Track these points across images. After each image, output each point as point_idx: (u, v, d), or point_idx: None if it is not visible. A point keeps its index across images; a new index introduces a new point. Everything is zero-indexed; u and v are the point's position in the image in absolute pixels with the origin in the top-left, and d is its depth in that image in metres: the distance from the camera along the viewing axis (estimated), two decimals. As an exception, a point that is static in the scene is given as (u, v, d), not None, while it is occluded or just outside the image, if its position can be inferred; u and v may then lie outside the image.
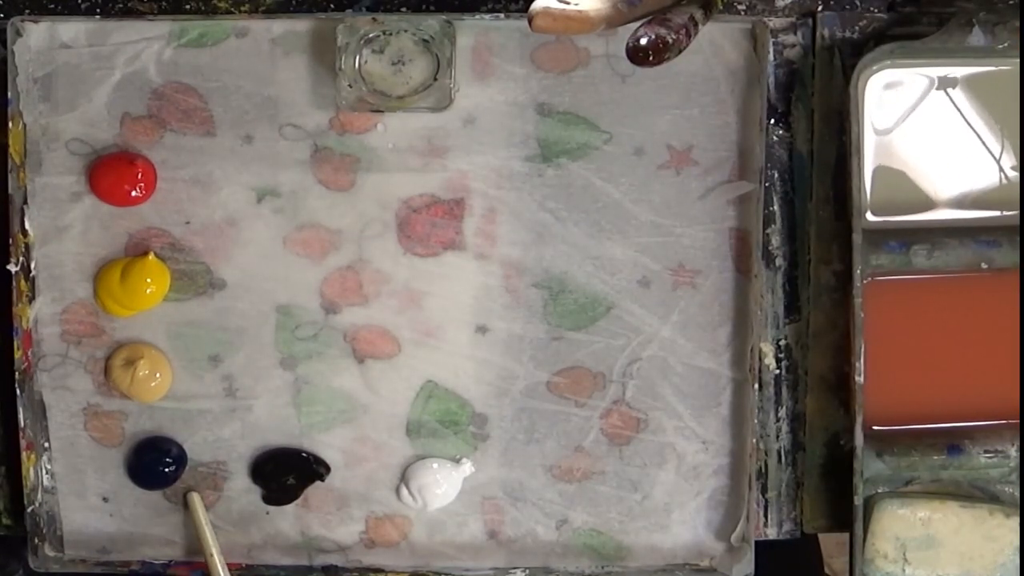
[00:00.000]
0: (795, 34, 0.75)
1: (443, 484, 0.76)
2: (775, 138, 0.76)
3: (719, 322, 0.76)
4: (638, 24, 0.61)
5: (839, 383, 0.76)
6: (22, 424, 0.74)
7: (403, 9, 0.75)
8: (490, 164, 0.74)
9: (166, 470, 0.76)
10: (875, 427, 0.76)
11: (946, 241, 0.74)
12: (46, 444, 0.76)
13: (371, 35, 0.71)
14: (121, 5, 0.75)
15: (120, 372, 0.75)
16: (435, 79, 0.71)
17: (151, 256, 0.74)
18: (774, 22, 0.75)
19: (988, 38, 0.71)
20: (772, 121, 0.75)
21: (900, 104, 0.75)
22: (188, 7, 0.75)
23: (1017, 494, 0.76)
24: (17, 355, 0.74)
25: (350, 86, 0.71)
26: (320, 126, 0.74)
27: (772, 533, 0.78)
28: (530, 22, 0.59)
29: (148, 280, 0.74)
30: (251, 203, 0.75)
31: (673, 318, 0.76)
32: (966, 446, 0.75)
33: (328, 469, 0.76)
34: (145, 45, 0.73)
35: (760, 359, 0.76)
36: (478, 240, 0.75)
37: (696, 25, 0.63)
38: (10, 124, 0.73)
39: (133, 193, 0.74)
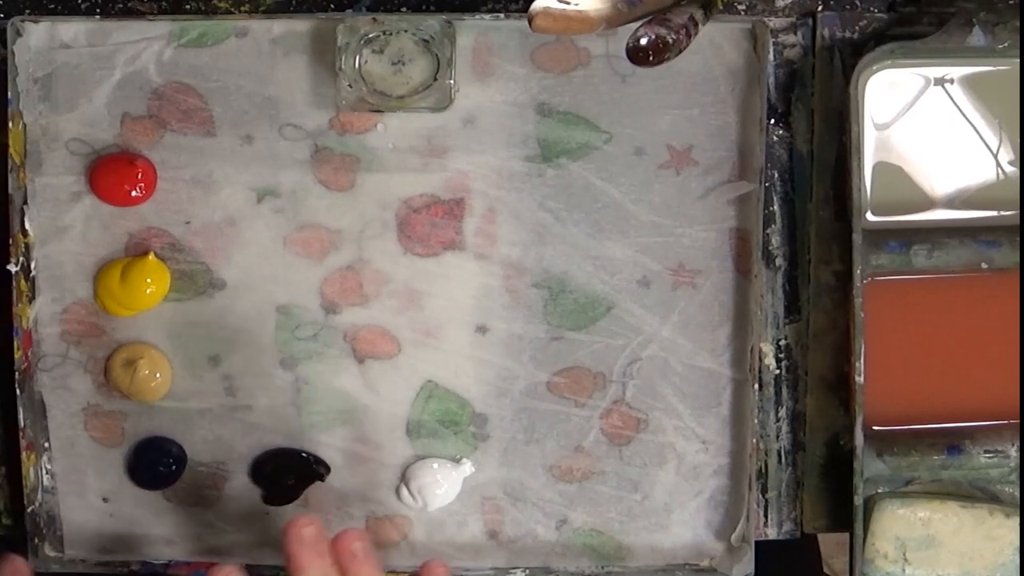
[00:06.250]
0: (795, 34, 0.75)
1: (443, 484, 0.76)
2: (775, 138, 0.76)
3: (719, 322, 0.76)
4: (638, 24, 0.61)
5: (839, 383, 0.76)
6: (22, 424, 0.74)
7: (403, 9, 0.75)
8: (490, 164, 0.74)
9: (166, 470, 0.76)
10: (875, 427, 0.76)
11: (946, 241, 0.74)
12: (46, 444, 0.76)
13: (371, 35, 0.71)
14: (121, 5, 0.75)
15: (120, 372, 0.75)
16: (435, 79, 0.71)
17: (151, 256, 0.74)
18: (774, 22, 0.75)
19: (988, 38, 0.71)
20: (772, 121, 0.75)
21: (900, 103, 0.75)
22: (188, 7, 0.75)
23: (1017, 494, 0.76)
24: (17, 355, 0.74)
25: (350, 86, 0.71)
26: (320, 126, 0.74)
27: (772, 533, 0.79)
28: (530, 22, 0.59)
29: (148, 280, 0.74)
30: (251, 203, 0.75)
31: (673, 318, 0.76)
32: (966, 446, 0.75)
33: (328, 469, 0.76)
34: (145, 45, 0.73)
35: (760, 359, 0.76)
36: (478, 240, 0.75)
37: (696, 25, 0.63)
38: (10, 124, 0.73)
39: (133, 193, 0.74)
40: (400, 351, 0.76)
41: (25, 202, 0.74)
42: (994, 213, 0.76)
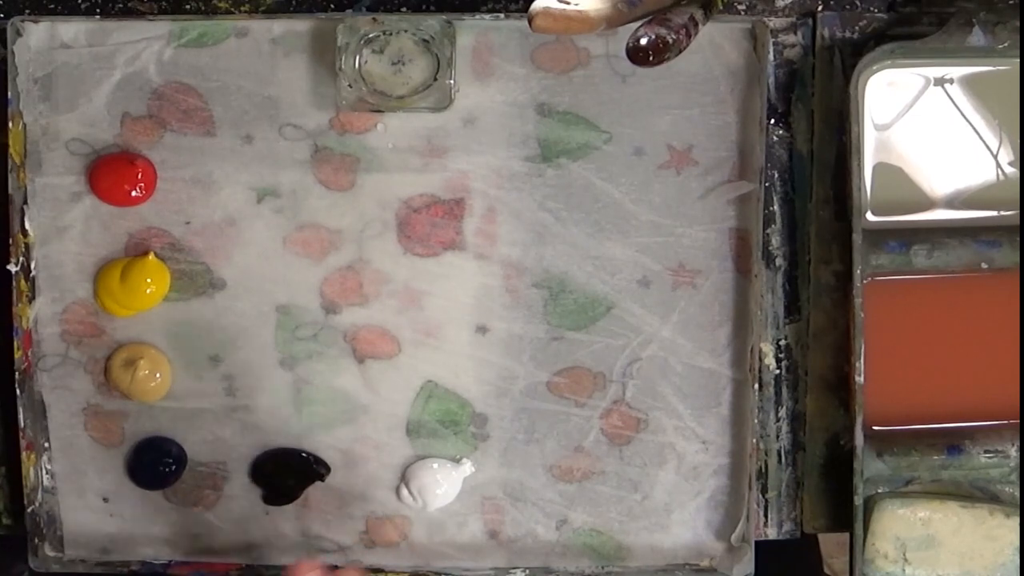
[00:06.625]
0: (795, 34, 0.75)
1: (443, 484, 0.76)
2: (775, 138, 0.76)
3: (719, 322, 0.76)
4: (638, 24, 0.61)
5: (839, 383, 0.76)
6: (22, 424, 0.74)
7: (403, 9, 0.75)
8: (490, 164, 0.74)
9: (166, 470, 0.76)
10: (875, 427, 0.76)
11: (946, 241, 0.74)
12: (46, 444, 0.76)
13: (371, 35, 0.71)
14: (121, 5, 0.75)
15: (120, 372, 0.75)
16: (435, 79, 0.71)
17: (151, 256, 0.74)
18: (774, 22, 0.75)
19: (988, 38, 0.71)
20: (772, 121, 0.75)
21: (900, 104, 0.75)
22: (188, 7, 0.75)
23: (1017, 494, 0.76)
24: (17, 355, 0.74)
25: (350, 86, 0.71)
26: (320, 126, 0.74)
27: (772, 533, 0.78)
28: (530, 22, 0.59)
29: (148, 280, 0.74)
30: (251, 203, 0.75)
31: (673, 318, 0.76)
32: (966, 446, 0.75)
33: (328, 469, 0.76)
34: (145, 45, 0.73)
35: (760, 359, 0.76)
36: (478, 240, 0.75)
37: (696, 25, 0.63)
38: (10, 124, 0.73)
39: (133, 193, 0.74)
40: (400, 351, 0.76)
41: (25, 202, 0.74)
42: (994, 213, 0.76)
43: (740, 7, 0.75)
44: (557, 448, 0.77)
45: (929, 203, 0.76)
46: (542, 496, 0.77)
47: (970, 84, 0.74)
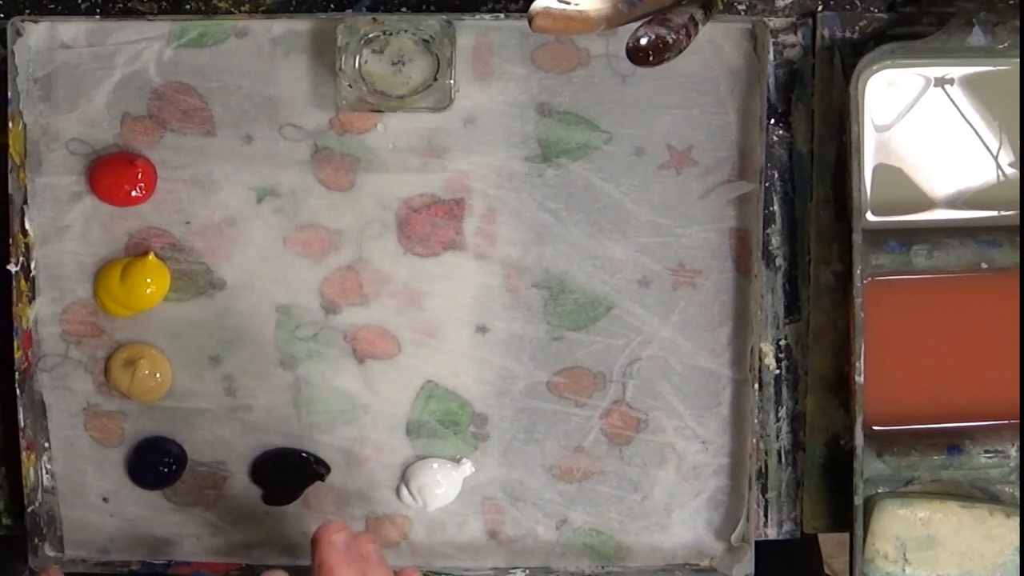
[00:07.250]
0: (795, 34, 0.75)
1: (443, 484, 0.76)
2: (775, 138, 0.76)
3: (719, 322, 0.76)
4: (638, 24, 0.61)
5: (839, 383, 0.76)
6: (22, 424, 0.74)
7: (403, 9, 0.75)
8: (490, 164, 0.74)
9: (166, 470, 0.76)
10: (875, 427, 0.76)
11: (946, 241, 0.74)
12: (46, 444, 0.76)
13: (371, 35, 0.71)
14: (121, 5, 0.75)
15: (120, 372, 0.75)
16: (435, 79, 0.71)
17: (151, 256, 0.74)
18: (774, 22, 0.75)
19: (988, 38, 0.71)
20: (772, 121, 0.75)
21: (900, 104, 0.75)
22: (188, 7, 0.75)
23: (1017, 494, 0.76)
24: (17, 355, 0.74)
25: (350, 86, 0.71)
26: (320, 126, 0.74)
27: (772, 533, 0.78)
28: (530, 22, 0.59)
29: (148, 280, 0.74)
30: (251, 203, 0.75)
31: (673, 318, 0.76)
32: (966, 446, 0.75)
33: (328, 469, 0.76)
34: (145, 45, 0.73)
35: (760, 359, 0.76)
36: (478, 240, 0.75)
37: (696, 25, 0.63)
38: (10, 124, 0.73)
39: (133, 193, 0.74)
40: (400, 351, 0.76)
41: (25, 202, 0.74)
42: (994, 213, 0.76)
43: (740, 7, 0.75)
44: (557, 448, 0.77)
45: (929, 203, 0.76)
46: (542, 496, 0.77)
47: (970, 84, 0.74)
